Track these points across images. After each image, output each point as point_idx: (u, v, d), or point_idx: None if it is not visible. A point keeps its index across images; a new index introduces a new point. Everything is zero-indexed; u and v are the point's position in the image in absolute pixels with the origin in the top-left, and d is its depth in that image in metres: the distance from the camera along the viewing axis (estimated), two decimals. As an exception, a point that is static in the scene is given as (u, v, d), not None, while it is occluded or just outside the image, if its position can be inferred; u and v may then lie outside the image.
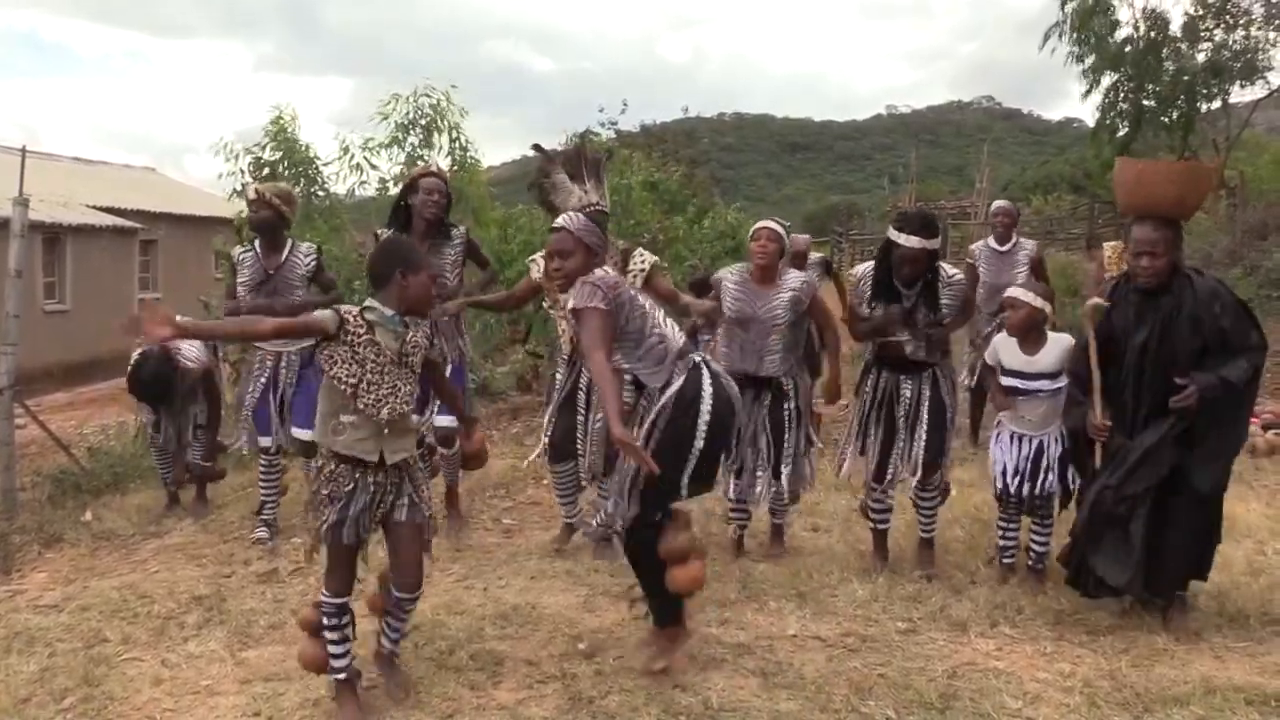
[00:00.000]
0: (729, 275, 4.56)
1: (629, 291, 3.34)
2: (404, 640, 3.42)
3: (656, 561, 3.34)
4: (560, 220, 3.47)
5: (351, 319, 3.02)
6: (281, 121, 9.55)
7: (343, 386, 3.00)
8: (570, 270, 3.35)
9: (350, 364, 3.01)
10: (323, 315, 3.01)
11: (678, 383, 3.26)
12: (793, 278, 4.53)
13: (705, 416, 3.25)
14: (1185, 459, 3.63)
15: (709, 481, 3.44)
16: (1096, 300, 3.88)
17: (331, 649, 3.12)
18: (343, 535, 3.04)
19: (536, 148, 4.91)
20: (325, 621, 3.11)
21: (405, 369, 3.11)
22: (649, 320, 3.32)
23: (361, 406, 3.01)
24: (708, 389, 3.28)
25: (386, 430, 3.05)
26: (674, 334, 3.37)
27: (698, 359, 3.36)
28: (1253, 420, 5.31)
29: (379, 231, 4.97)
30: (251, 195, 5.09)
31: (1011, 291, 4.32)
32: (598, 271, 3.32)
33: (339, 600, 3.11)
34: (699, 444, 3.24)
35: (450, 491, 5.20)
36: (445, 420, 4.87)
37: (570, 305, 3.24)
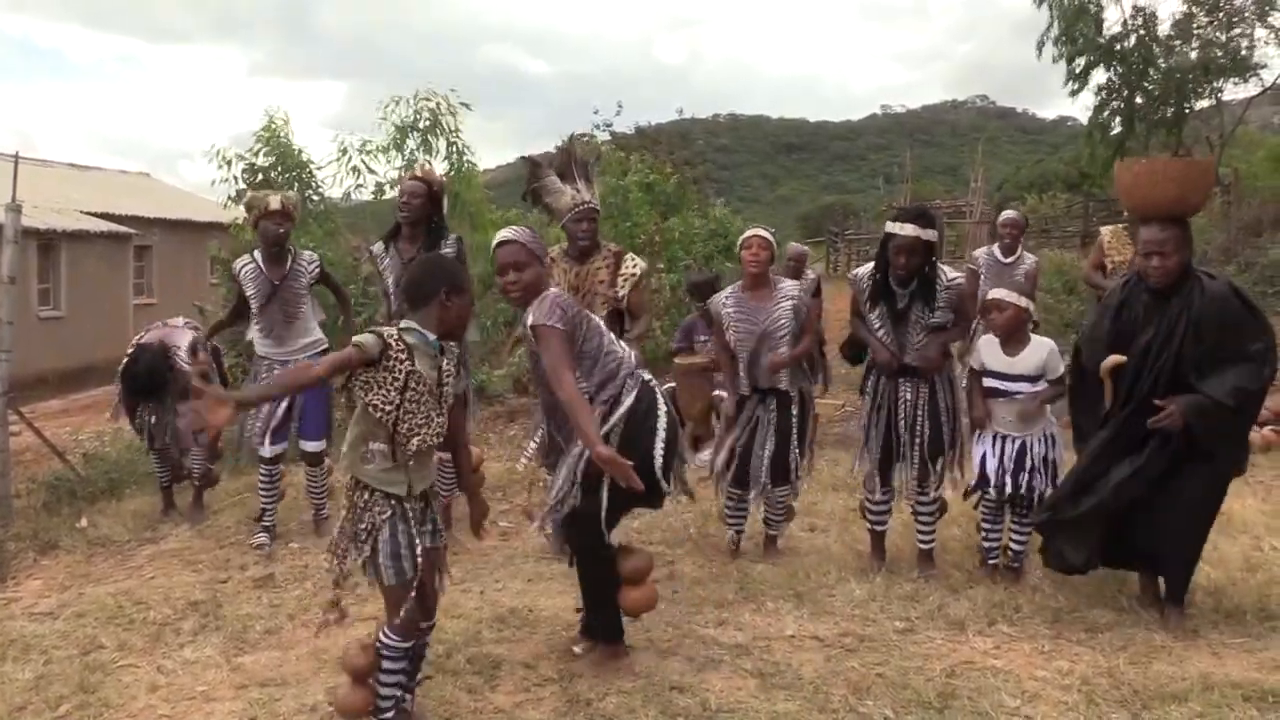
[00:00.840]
0: (724, 300, 4.55)
1: (582, 311, 3.30)
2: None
3: (612, 579, 3.41)
4: (506, 233, 3.34)
5: (394, 342, 2.81)
6: (274, 126, 9.53)
7: (378, 414, 2.80)
8: (527, 282, 3.25)
9: (390, 390, 2.79)
10: (365, 341, 2.76)
11: (629, 400, 3.24)
12: (788, 286, 4.55)
13: (662, 433, 3.25)
14: (1176, 465, 3.63)
15: (658, 499, 3.40)
16: (1117, 358, 3.68)
17: (382, 690, 2.94)
18: (405, 569, 2.87)
19: (526, 159, 4.93)
20: (386, 665, 2.92)
21: (439, 400, 2.92)
22: (605, 337, 3.30)
23: (394, 435, 2.83)
24: (661, 406, 3.30)
25: (412, 461, 2.87)
26: (624, 351, 3.36)
27: (645, 376, 3.36)
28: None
29: (369, 239, 4.98)
30: (275, 206, 4.87)
31: (996, 292, 4.31)
32: (554, 289, 3.28)
33: (406, 645, 2.93)
34: (658, 458, 3.22)
35: (443, 510, 5.13)
36: None
37: (530, 321, 3.14)
